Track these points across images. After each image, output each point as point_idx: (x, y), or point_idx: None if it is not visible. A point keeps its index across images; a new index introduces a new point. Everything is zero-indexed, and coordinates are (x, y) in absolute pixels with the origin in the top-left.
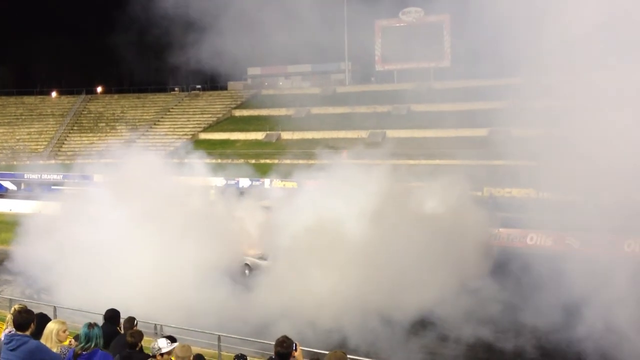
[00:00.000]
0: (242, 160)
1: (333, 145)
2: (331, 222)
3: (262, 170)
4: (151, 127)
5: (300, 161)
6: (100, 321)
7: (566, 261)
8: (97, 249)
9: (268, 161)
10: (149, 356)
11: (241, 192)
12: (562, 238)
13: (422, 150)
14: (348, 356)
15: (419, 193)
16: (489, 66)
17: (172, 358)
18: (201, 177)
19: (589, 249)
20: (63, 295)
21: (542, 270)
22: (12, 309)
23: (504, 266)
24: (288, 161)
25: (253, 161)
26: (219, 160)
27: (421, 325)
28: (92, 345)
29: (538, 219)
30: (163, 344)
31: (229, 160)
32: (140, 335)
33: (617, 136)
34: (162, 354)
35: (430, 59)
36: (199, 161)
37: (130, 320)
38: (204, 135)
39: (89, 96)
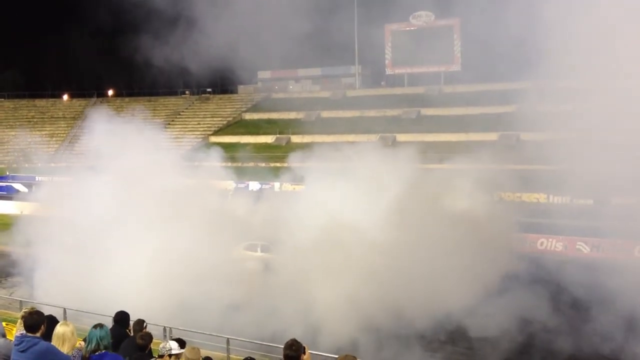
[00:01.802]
0: (252, 164)
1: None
2: (347, 225)
3: (272, 174)
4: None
5: (311, 164)
6: (109, 323)
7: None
8: (103, 249)
9: (278, 164)
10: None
11: (259, 196)
12: (572, 243)
13: (432, 155)
14: None
15: (440, 195)
16: (500, 70)
17: None
18: (212, 180)
19: (599, 254)
20: (70, 297)
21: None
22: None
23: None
24: (298, 164)
25: (263, 164)
26: (229, 164)
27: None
28: (93, 346)
29: (548, 223)
30: (174, 345)
31: (239, 164)
32: (150, 337)
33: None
34: (170, 355)
35: (441, 62)
36: (210, 164)
37: (140, 323)
38: (214, 139)
39: (100, 99)
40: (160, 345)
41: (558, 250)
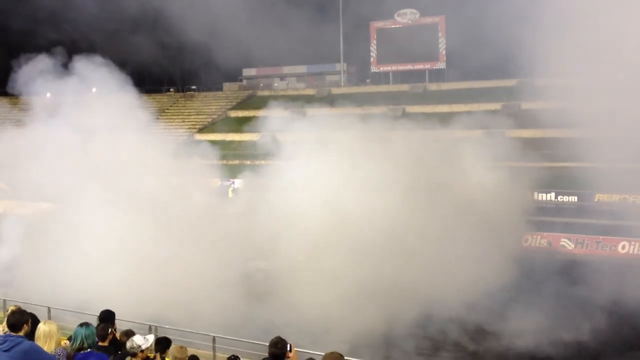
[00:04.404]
0: (237, 161)
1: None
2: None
3: (256, 171)
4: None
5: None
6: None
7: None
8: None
9: (263, 162)
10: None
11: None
12: (557, 239)
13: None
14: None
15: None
16: (485, 68)
17: (167, 359)
18: (198, 177)
19: (583, 250)
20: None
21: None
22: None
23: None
24: (284, 162)
25: (248, 162)
26: (215, 161)
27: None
28: (78, 344)
29: (533, 220)
30: (141, 341)
31: (225, 161)
32: (132, 335)
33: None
34: (142, 351)
35: (426, 60)
36: (196, 161)
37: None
38: (199, 136)
39: None
40: (128, 346)
41: (543, 247)
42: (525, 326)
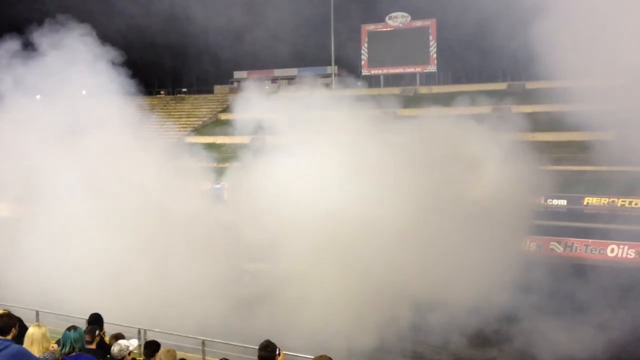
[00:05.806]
0: (227, 164)
1: None
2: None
3: (248, 174)
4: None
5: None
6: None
7: None
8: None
9: (254, 164)
10: None
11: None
12: (546, 243)
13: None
14: None
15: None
16: (475, 71)
17: None
18: (188, 180)
19: (572, 254)
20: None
21: None
22: None
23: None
24: (277, 164)
25: (238, 164)
26: (205, 164)
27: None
28: (68, 349)
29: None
30: (124, 344)
31: (215, 164)
32: (122, 338)
33: None
34: (129, 353)
35: (417, 63)
36: (186, 164)
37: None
38: (190, 139)
39: None
40: (115, 350)
41: (532, 251)
42: (529, 332)
